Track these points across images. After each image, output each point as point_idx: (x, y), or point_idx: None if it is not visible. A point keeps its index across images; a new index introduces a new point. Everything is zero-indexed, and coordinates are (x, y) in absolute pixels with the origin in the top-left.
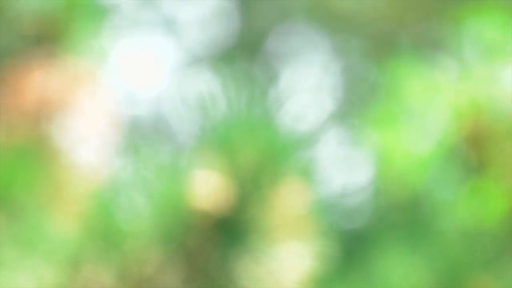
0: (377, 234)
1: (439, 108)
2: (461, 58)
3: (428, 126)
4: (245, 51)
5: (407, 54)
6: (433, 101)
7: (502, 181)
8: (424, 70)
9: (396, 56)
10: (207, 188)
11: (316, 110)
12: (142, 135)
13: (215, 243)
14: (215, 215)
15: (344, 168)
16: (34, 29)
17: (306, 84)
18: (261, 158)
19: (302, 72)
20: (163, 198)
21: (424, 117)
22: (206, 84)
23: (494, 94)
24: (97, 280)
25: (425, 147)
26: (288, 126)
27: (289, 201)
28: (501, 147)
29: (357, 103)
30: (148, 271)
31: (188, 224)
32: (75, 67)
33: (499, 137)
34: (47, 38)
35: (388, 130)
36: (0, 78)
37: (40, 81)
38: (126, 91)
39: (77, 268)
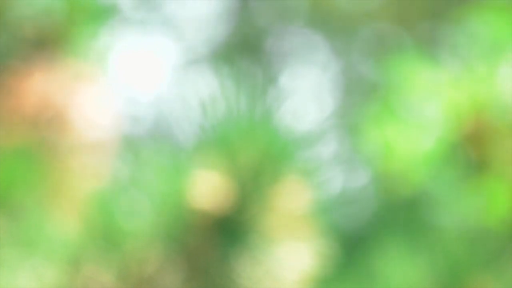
0: (377, 234)
1: (440, 106)
2: (462, 56)
3: (429, 123)
4: (245, 51)
5: (408, 52)
6: (434, 99)
7: (503, 179)
8: (425, 68)
9: (397, 53)
10: (207, 188)
11: (316, 110)
12: (142, 135)
13: (215, 243)
14: (215, 215)
15: (344, 168)
16: (35, 32)
17: (306, 84)
18: (261, 158)
19: (302, 71)
20: (163, 198)
21: (425, 115)
22: (206, 84)
23: (495, 92)
24: (98, 280)
25: (426, 145)
26: (288, 126)
27: (289, 201)
28: (502, 145)
29: (357, 103)
30: (148, 271)
31: (188, 224)
32: (75, 69)
33: (500, 135)
34: (48, 41)
35: (388, 127)
36: (0, 81)
37: (40, 83)
38: (126, 91)
39: (77, 268)
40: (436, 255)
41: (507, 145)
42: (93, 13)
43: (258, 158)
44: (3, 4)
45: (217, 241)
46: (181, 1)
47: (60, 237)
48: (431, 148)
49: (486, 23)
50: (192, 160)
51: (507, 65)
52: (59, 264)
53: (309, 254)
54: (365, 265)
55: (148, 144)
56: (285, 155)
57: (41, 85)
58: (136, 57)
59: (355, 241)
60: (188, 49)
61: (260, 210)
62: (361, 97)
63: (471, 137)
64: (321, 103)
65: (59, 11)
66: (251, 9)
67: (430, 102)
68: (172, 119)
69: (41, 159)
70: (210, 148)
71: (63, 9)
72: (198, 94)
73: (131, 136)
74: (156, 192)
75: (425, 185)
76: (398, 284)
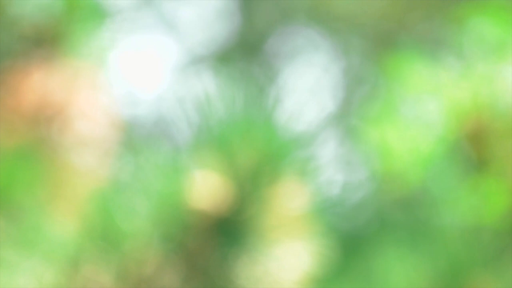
0: (376, 234)
1: (441, 105)
2: (463, 56)
3: (429, 123)
4: (245, 51)
5: (409, 51)
6: (435, 98)
7: (503, 179)
8: (426, 67)
9: (397, 52)
10: (206, 188)
11: (316, 110)
12: (141, 135)
13: (214, 243)
14: (214, 215)
15: (344, 168)
16: (34, 31)
17: (306, 84)
18: (260, 158)
19: (302, 72)
20: (162, 198)
21: (425, 114)
22: (206, 84)
23: (496, 91)
24: (97, 280)
25: (426, 144)
26: (287, 126)
27: (288, 201)
28: (502, 145)
29: (357, 103)
30: (147, 271)
31: (187, 224)
32: (75, 68)
33: (500, 135)
34: (47, 40)
35: (388, 126)
36: (0, 80)
37: (40, 82)
38: (126, 91)
39: (76, 268)
40: (436, 255)
41: (507, 145)
42: (91, 11)
43: (257, 158)
44: (2, 2)
45: (216, 241)
46: (181, 2)
47: (60, 237)
48: (431, 148)
49: (487, 22)
50: (191, 161)
51: (507, 64)
52: (58, 264)
53: (308, 254)
54: (364, 265)
55: (148, 144)
56: (284, 155)
57: (40, 83)
58: (136, 57)
59: (354, 241)
60: (188, 49)
61: (259, 210)
62: (361, 97)
63: (471, 136)
64: (320, 103)
65: (58, 10)
66: (251, 9)
67: (430, 101)
68: (172, 119)
69: (40, 158)
70: (209, 149)
71: (62, 7)
72: (198, 94)
73: (130, 136)
74: (155, 192)
75: (425, 185)
76: (398, 284)
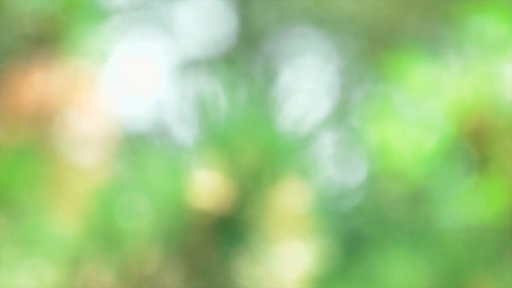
0: (377, 234)
1: (442, 104)
2: (463, 54)
3: (429, 122)
4: (244, 52)
5: (410, 50)
6: (435, 96)
7: (504, 177)
8: (426, 65)
9: (397, 51)
10: (207, 187)
11: (315, 110)
12: (142, 135)
13: (215, 242)
14: (215, 214)
15: (344, 167)
16: (34, 30)
17: (305, 84)
18: (261, 158)
19: (301, 72)
20: (164, 197)
21: (426, 112)
22: (206, 85)
23: (496, 90)
24: (98, 279)
25: (427, 143)
26: (287, 126)
27: (289, 201)
28: (503, 143)
29: (356, 103)
30: (148, 271)
31: (188, 223)
32: (74, 68)
33: (501, 133)
34: (47, 39)
35: (388, 126)
36: (0, 79)
37: (40, 82)
38: (125, 91)
39: (77, 268)
40: (436, 255)
41: (508, 143)
42: (91, 11)
43: (258, 158)
44: (2, 1)
45: (217, 241)
46: (180, 3)
47: (61, 236)
48: (432, 146)
49: (487, 20)
50: (192, 160)
51: (508, 62)
52: (59, 263)
53: (308, 253)
54: (364, 264)
55: (148, 144)
56: (285, 155)
57: (40, 83)
58: (135, 58)
59: (354, 241)
60: (187, 49)
61: (260, 210)
62: (360, 96)
63: (472, 135)
64: (320, 103)
65: (58, 9)
66: (250, 10)
67: (431, 100)
68: (172, 119)
69: (40, 157)
70: (210, 148)
71: (62, 6)
72: (199, 94)
73: (131, 135)
74: (156, 192)
75: (426, 184)
76: (398, 284)
